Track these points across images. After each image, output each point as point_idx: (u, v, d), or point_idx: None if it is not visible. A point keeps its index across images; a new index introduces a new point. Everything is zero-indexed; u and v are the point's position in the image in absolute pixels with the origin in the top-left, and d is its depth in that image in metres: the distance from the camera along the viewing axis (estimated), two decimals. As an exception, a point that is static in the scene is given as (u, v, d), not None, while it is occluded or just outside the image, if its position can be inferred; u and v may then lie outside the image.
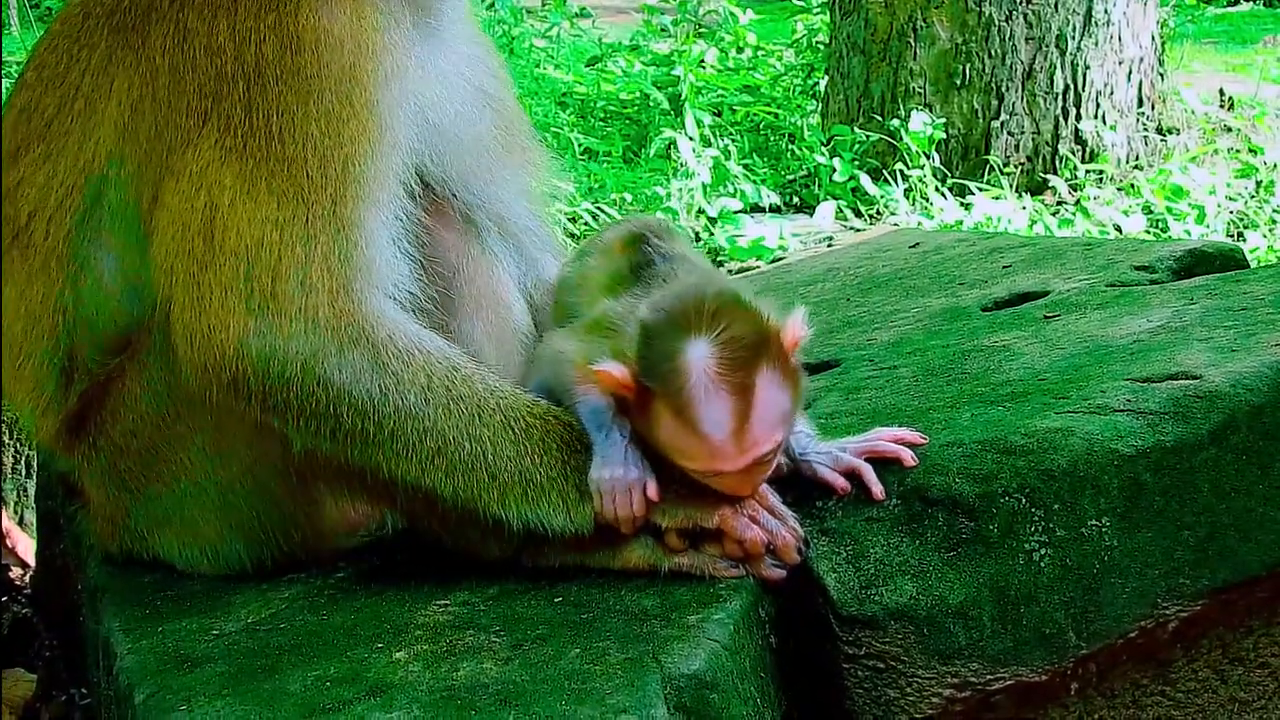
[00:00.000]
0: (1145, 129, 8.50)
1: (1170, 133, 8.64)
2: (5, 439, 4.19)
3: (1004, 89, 8.28)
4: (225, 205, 2.32)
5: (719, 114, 9.38)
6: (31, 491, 4.15)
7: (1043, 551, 2.36)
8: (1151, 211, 7.61)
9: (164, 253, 2.38)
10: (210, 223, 2.32)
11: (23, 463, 4.22)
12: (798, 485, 2.45)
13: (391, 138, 2.43)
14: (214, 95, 2.36)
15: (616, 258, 2.60)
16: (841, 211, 8.00)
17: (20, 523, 4.20)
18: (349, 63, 2.38)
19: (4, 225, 2.59)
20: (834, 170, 8.19)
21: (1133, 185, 7.98)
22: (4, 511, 4.17)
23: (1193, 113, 8.98)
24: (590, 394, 2.37)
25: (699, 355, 2.19)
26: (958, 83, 8.34)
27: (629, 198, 7.93)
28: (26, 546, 4.09)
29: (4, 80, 9.26)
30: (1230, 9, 16.87)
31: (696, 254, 2.75)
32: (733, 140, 8.85)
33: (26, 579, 3.97)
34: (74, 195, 2.53)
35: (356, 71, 2.38)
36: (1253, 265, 3.62)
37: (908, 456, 2.42)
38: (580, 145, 9.00)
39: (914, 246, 4.27)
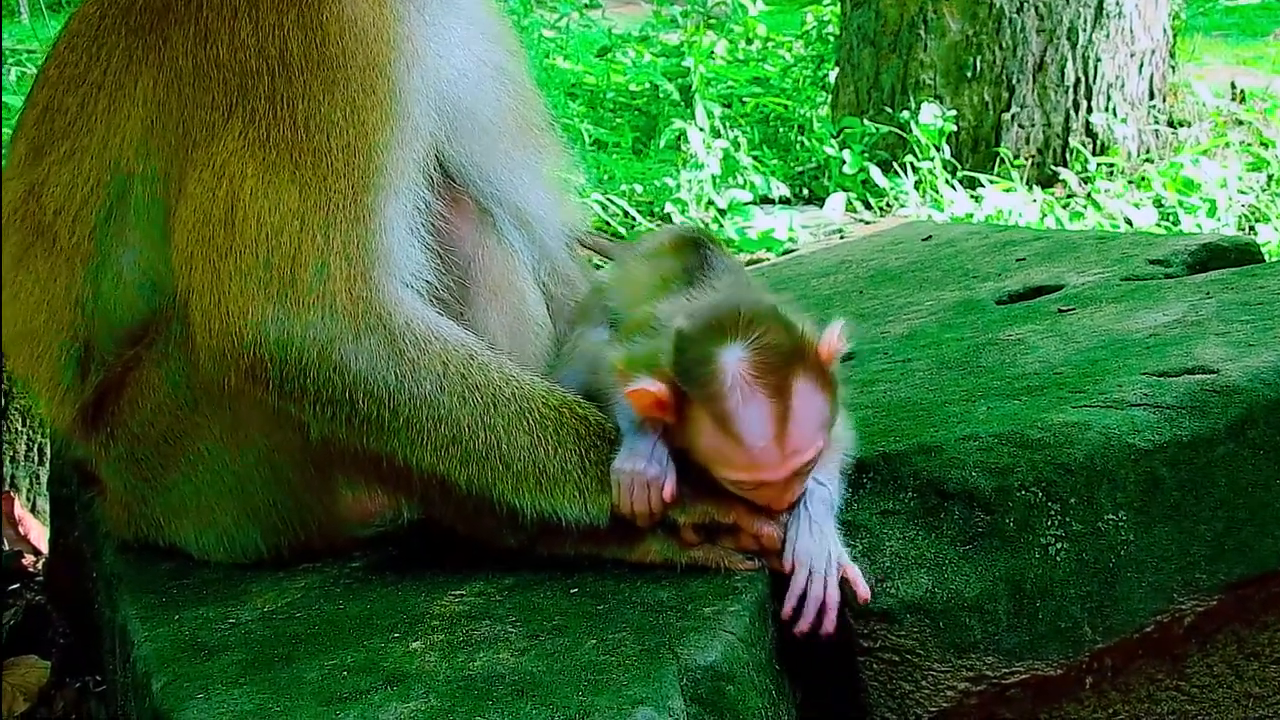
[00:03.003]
0: (1156, 122, 8.48)
1: (1181, 125, 8.62)
2: (19, 426, 4.20)
3: (1015, 81, 8.26)
4: (247, 195, 2.33)
5: (729, 105, 9.35)
6: (44, 478, 4.16)
7: (1059, 545, 2.36)
8: (1163, 205, 7.59)
9: (185, 241, 2.38)
10: (231, 211, 2.33)
11: (35, 450, 4.23)
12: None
13: (412, 126, 2.43)
14: (239, 89, 2.37)
15: (668, 259, 2.59)
16: (851, 203, 7.99)
17: (33, 510, 4.21)
18: (372, 52, 2.38)
19: (28, 222, 2.60)
20: (844, 162, 8.17)
21: (1144, 178, 7.95)
22: (17, 498, 4.18)
23: (1204, 105, 8.96)
24: None
25: (734, 359, 2.19)
26: (968, 75, 8.32)
27: (639, 189, 7.91)
28: (39, 533, 4.10)
29: (14, 69, 9.26)
30: (1241, 1, 16.80)
31: (744, 269, 2.74)
32: (742, 131, 8.83)
33: (40, 566, 3.99)
34: (98, 192, 2.54)
35: (380, 60, 2.39)
36: (1266, 258, 3.61)
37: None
38: (590, 136, 8.99)
39: (926, 239, 4.27)
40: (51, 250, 2.57)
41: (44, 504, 4.11)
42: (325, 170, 2.33)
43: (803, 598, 2.28)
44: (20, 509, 4.17)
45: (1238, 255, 3.47)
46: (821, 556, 2.29)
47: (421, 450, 2.37)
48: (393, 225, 2.39)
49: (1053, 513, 2.36)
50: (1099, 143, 8.26)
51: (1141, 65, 8.41)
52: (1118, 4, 8.24)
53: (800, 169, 8.50)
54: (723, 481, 2.30)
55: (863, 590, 2.29)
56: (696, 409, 2.23)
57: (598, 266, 6.09)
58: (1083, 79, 8.25)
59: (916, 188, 7.96)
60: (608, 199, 7.62)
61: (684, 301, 2.42)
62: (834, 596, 2.28)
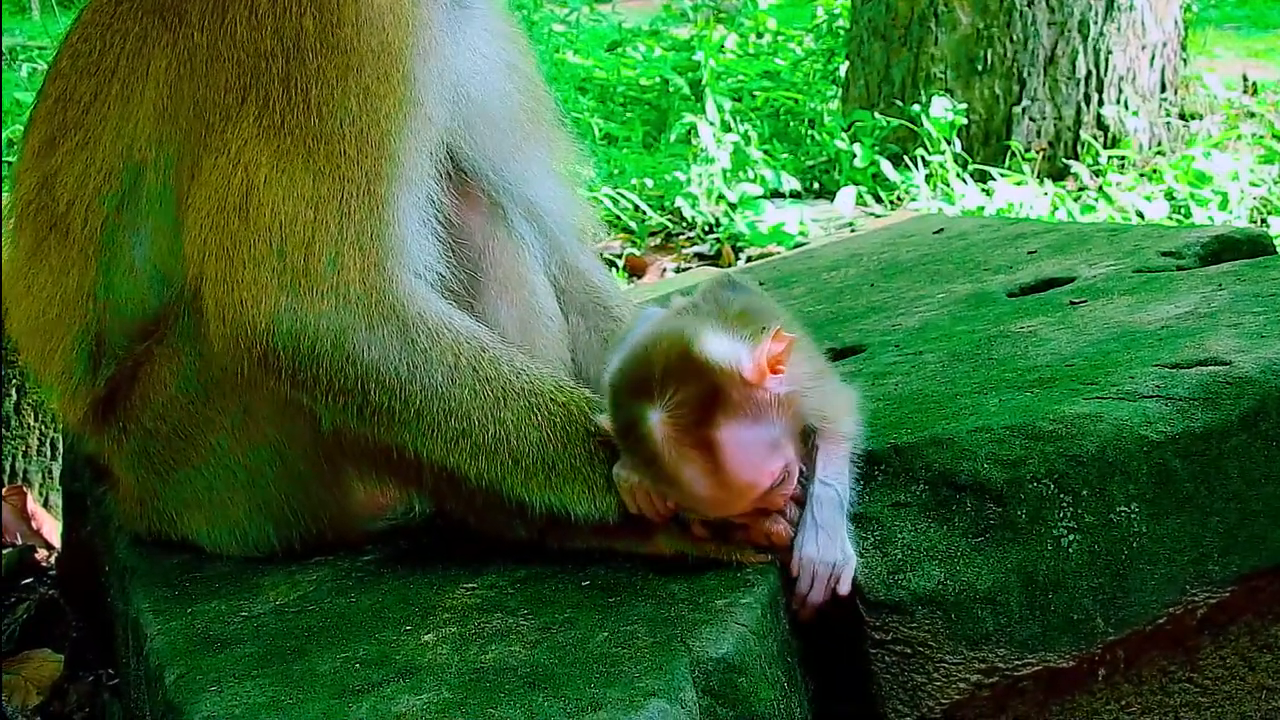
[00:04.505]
0: (1168, 114, 8.45)
1: (1193, 118, 8.58)
2: (30, 421, 4.21)
3: (1026, 74, 8.23)
4: (261, 182, 2.32)
5: (739, 99, 9.34)
6: (57, 473, 4.17)
7: (1071, 537, 2.35)
8: (1174, 197, 7.56)
9: (198, 228, 2.38)
10: (245, 199, 2.33)
11: (48, 445, 4.24)
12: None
13: (426, 114, 2.43)
14: (253, 72, 2.36)
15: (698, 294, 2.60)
16: (862, 197, 7.97)
17: (45, 504, 4.22)
18: (387, 38, 2.38)
19: (42, 215, 2.60)
20: (854, 156, 8.15)
21: (1155, 171, 7.93)
22: (29, 493, 4.19)
23: (1215, 98, 8.93)
24: None
25: (656, 423, 2.21)
26: (979, 68, 8.30)
27: (649, 183, 7.90)
28: (52, 528, 4.11)
29: (25, 66, 9.28)
30: (1253, -6, 16.73)
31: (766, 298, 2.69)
32: (753, 125, 8.81)
33: (52, 560, 4.00)
34: (112, 181, 2.53)
35: (394, 47, 2.38)
36: (1278, 250, 3.60)
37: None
38: (600, 131, 8.99)
39: (938, 232, 4.26)
40: (65, 243, 2.57)
41: (56, 499, 4.12)
42: (339, 158, 2.33)
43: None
44: (33, 504, 4.18)
45: (1250, 247, 3.46)
46: (827, 563, 2.31)
47: (432, 442, 2.37)
48: (406, 216, 2.39)
49: (1064, 504, 2.36)
50: (1110, 135, 8.23)
51: (1153, 58, 8.37)
52: (1129, -4, 8.21)
53: (811, 163, 8.48)
54: None
55: (844, 589, 2.32)
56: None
57: (610, 263, 6.08)
58: (1094, 72, 8.22)
59: (927, 181, 7.94)
60: (618, 193, 7.62)
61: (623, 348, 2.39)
62: (846, 589, 2.31)
